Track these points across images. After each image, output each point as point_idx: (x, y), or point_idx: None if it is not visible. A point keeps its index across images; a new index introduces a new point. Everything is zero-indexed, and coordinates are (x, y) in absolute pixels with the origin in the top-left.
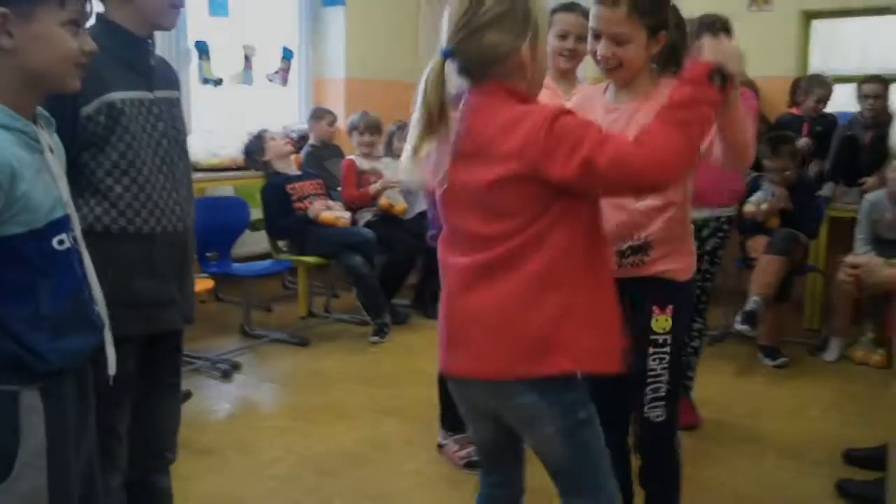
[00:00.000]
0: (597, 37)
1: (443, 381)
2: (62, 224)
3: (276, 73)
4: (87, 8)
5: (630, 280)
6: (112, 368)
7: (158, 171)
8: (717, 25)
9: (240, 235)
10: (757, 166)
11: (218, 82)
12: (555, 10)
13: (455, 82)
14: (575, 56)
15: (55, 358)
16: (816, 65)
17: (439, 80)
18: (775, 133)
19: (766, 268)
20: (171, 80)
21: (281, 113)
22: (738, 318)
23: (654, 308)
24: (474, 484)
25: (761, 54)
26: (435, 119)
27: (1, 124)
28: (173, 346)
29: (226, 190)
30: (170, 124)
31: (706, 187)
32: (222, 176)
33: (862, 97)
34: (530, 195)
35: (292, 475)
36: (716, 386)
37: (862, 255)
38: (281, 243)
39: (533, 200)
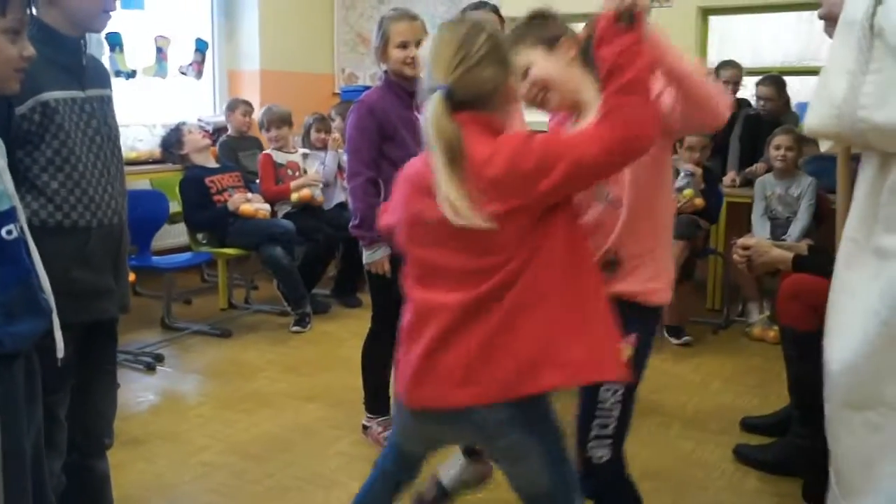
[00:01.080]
0: None
1: (368, 367)
2: (9, 215)
3: (190, 65)
4: (25, 16)
5: None
6: (61, 351)
7: (93, 166)
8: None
9: (159, 229)
10: None
11: (131, 74)
12: (464, 11)
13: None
14: None
15: (9, 341)
16: (713, 59)
17: (447, 117)
18: None
19: None
20: (102, 78)
21: (196, 105)
22: None
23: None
24: None
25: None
26: (457, 155)
27: None
28: (109, 334)
29: (142, 183)
30: (102, 121)
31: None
32: (139, 169)
33: (756, 98)
34: (515, 226)
35: (220, 461)
36: None
37: (752, 238)
38: (200, 236)
39: (516, 230)
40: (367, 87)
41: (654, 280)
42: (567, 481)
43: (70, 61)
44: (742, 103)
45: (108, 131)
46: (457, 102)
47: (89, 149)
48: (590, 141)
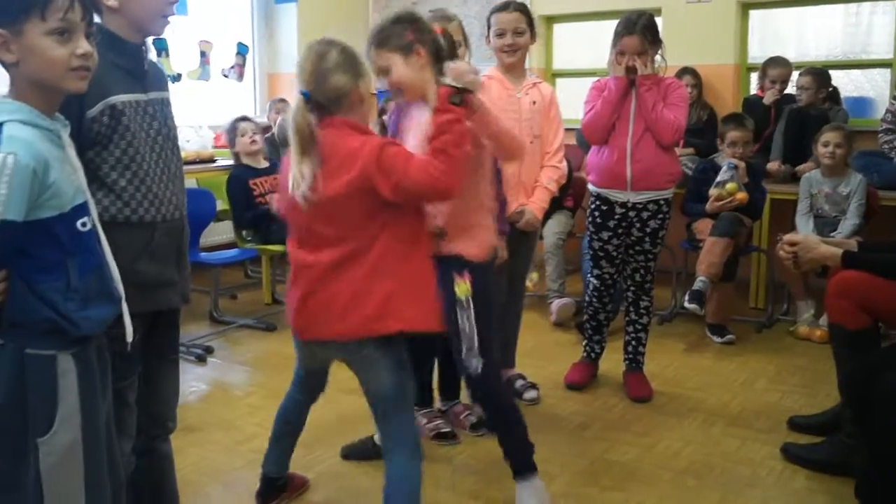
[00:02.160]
0: None
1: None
2: (83, 209)
3: (232, 68)
4: (74, 16)
5: (436, 258)
6: (130, 335)
7: (156, 165)
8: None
9: (206, 226)
10: (707, 152)
11: (177, 78)
12: (491, 13)
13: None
14: (517, 49)
15: (85, 325)
16: (755, 53)
17: (304, 114)
18: (736, 112)
19: (712, 249)
20: (161, 81)
21: (237, 107)
22: (686, 298)
23: (455, 276)
24: (444, 452)
25: (702, 44)
26: (309, 147)
27: (32, 123)
28: (172, 324)
29: (189, 183)
30: (163, 122)
31: (645, 171)
32: (186, 169)
33: (797, 87)
34: (368, 205)
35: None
36: (666, 362)
37: (799, 234)
38: (245, 233)
39: (370, 209)
40: None
41: (469, 244)
42: (405, 388)
43: (133, 65)
44: (787, 99)
45: (167, 132)
46: (315, 104)
47: (152, 148)
48: (414, 175)
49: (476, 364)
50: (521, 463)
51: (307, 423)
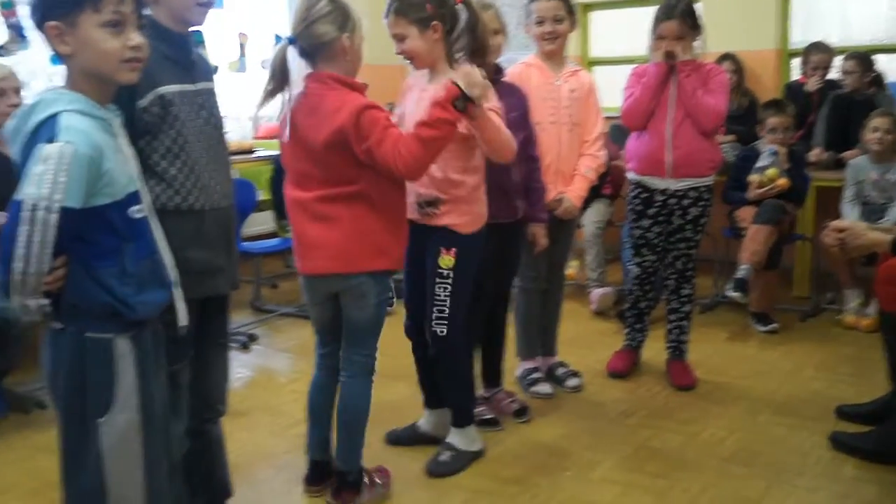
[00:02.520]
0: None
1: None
2: (136, 196)
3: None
4: (126, 8)
5: (427, 227)
6: (183, 320)
7: (204, 153)
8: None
9: (247, 216)
10: (748, 139)
11: (215, 70)
12: (531, 1)
13: (297, 63)
14: (556, 37)
15: (141, 309)
16: (797, 38)
17: (282, 59)
18: (775, 98)
19: (755, 236)
20: (208, 72)
21: (275, 98)
22: (729, 286)
23: (441, 249)
24: (487, 438)
25: (742, 29)
26: (277, 87)
27: (87, 113)
28: (222, 309)
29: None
30: (210, 112)
31: (685, 158)
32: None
33: (842, 72)
34: (347, 156)
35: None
36: (710, 351)
37: (846, 220)
38: (285, 222)
39: (350, 158)
40: None
41: (465, 216)
42: (380, 320)
43: (180, 56)
44: (830, 85)
45: (215, 121)
46: (301, 50)
47: (200, 137)
48: (386, 148)
49: (442, 329)
50: (457, 416)
51: None
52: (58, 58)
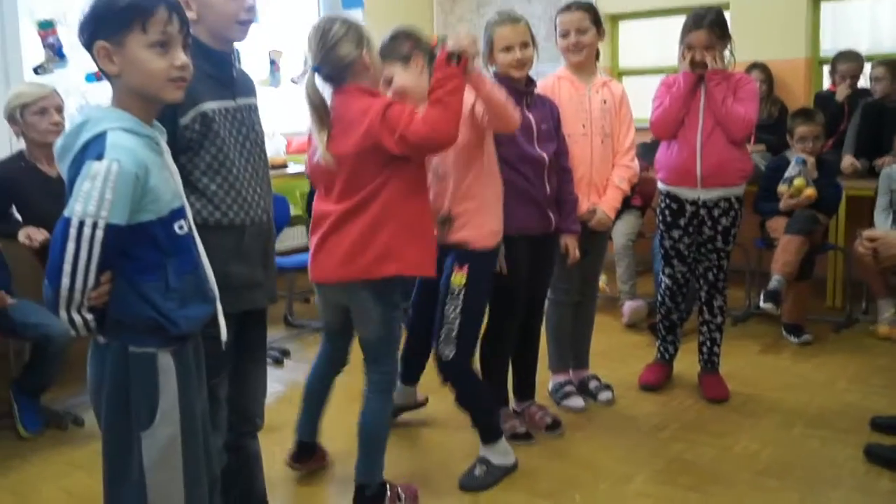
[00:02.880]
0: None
1: (486, 363)
2: (180, 212)
3: (301, 75)
4: (173, 28)
5: (442, 248)
6: (224, 335)
7: (245, 169)
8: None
9: (281, 231)
10: (778, 149)
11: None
12: (556, 15)
13: (323, 88)
14: (582, 48)
15: (184, 324)
16: (827, 47)
17: (314, 86)
18: (804, 107)
19: (787, 247)
20: (250, 88)
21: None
22: (762, 297)
23: (455, 267)
24: (519, 452)
25: (772, 38)
26: (323, 115)
27: (133, 131)
28: (260, 323)
29: None
30: (251, 128)
31: (715, 167)
32: None
33: (871, 79)
34: (375, 160)
35: (352, 448)
36: (743, 362)
37: (879, 229)
38: None
39: (377, 164)
40: None
41: (479, 231)
42: (390, 338)
43: (222, 73)
44: (861, 93)
45: (255, 137)
46: (326, 76)
47: (240, 153)
48: (415, 127)
49: (449, 352)
50: (486, 432)
51: None
52: (94, 76)
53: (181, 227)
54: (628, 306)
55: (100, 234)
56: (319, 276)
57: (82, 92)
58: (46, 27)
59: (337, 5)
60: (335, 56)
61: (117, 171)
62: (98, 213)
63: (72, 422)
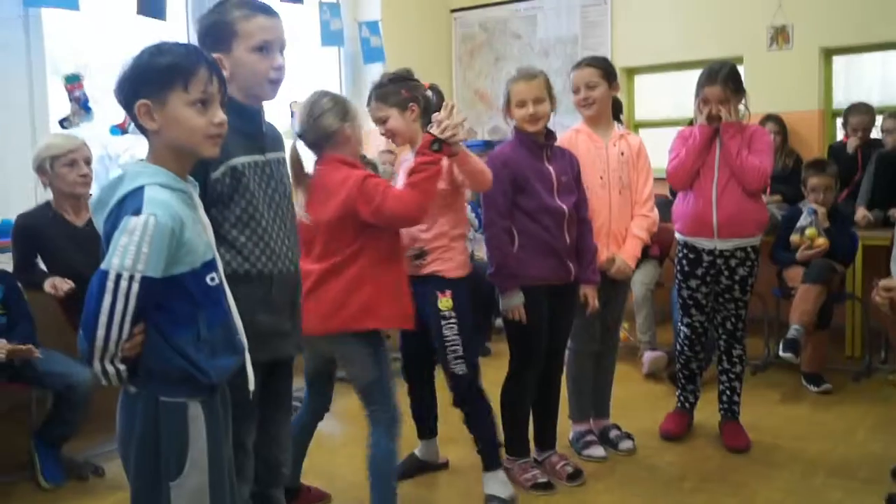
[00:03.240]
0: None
1: (506, 408)
2: (212, 264)
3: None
4: (213, 87)
5: (419, 278)
6: (252, 385)
7: (273, 221)
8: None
9: None
10: (793, 199)
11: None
12: (571, 70)
13: (307, 155)
14: (592, 102)
15: (214, 374)
16: (840, 98)
17: (296, 153)
18: (816, 158)
19: (805, 296)
20: (278, 142)
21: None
22: (781, 347)
23: (437, 293)
24: (543, 502)
25: (785, 91)
26: (300, 175)
27: (169, 186)
28: (287, 372)
29: None
30: (279, 181)
31: (731, 218)
32: None
33: (883, 131)
34: (352, 226)
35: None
36: (763, 412)
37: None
38: None
39: (354, 230)
40: (486, 142)
41: (450, 263)
42: (381, 381)
43: (252, 129)
44: (874, 143)
45: (283, 189)
46: (309, 143)
47: (269, 206)
48: (390, 203)
49: (461, 369)
50: (491, 459)
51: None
52: (119, 129)
53: (213, 279)
54: (648, 356)
55: (136, 286)
56: (306, 329)
57: (104, 144)
58: (73, 81)
59: (358, 61)
60: (318, 126)
61: (154, 225)
62: (135, 266)
63: (92, 472)
